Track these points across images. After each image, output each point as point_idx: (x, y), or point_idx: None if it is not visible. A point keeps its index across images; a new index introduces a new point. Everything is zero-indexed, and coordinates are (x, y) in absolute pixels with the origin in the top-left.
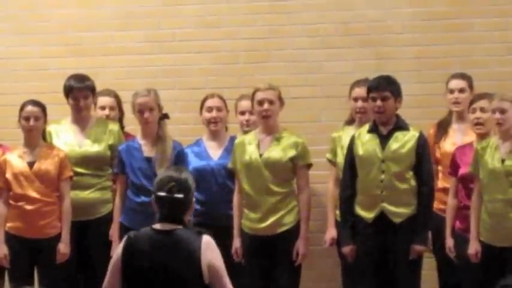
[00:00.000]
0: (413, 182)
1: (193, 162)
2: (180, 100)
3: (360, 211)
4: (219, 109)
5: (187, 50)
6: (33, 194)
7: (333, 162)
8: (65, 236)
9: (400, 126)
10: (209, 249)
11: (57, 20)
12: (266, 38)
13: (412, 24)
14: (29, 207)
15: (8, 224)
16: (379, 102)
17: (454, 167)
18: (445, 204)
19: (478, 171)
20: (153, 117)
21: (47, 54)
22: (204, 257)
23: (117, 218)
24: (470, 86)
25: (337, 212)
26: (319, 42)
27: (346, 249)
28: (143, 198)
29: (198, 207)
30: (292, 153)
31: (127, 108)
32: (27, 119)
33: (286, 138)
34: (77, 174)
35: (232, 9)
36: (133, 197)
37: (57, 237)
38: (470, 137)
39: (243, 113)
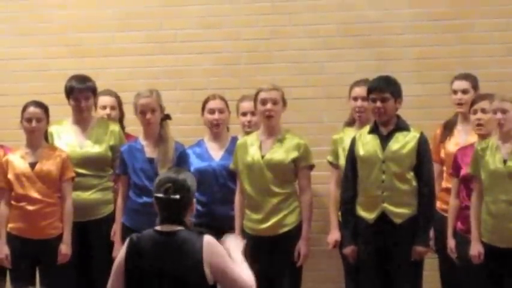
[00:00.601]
0: (414, 183)
1: (195, 163)
2: (181, 101)
3: (361, 212)
4: (221, 111)
5: (189, 50)
6: (35, 194)
7: (334, 165)
8: (67, 236)
9: (401, 126)
10: (211, 250)
11: (58, 20)
12: (267, 39)
13: (413, 25)
14: (30, 207)
15: (10, 225)
16: (379, 104)
17: (455, 167)
18: (448, 204)
19: (478, 172)
20: (155, 118)
21: (48, 55)
22: (206, 258)
23: (119, 219)
24: (474, 87)
25: (339, 213)
26: (321, 43)
27: (348, 250)
28: (145, 199)
29: (199, 208)
30: (294, 154)
31: (129, 109)
32: (29, 120)
33: (288, 139)
34: (78, 175)
35: (234, 10)
36: (135, 198)
37: (59, 238)
38: (474, 137)
39: (244, 114)
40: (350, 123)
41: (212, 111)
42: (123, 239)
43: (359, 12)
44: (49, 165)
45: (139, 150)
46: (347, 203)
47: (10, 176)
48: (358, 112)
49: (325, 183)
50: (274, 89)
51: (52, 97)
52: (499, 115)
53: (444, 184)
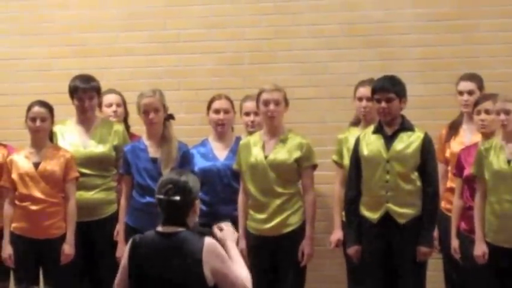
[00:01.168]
0: (418, 183)
1: (199, 163)
2: (185, 101)
3: (365, 212)
4: (226, 111)
5: (192, 50)
6: (38, 194)
7: (339, 164)
8: (70, 236)
9: (405, 127)
10: (211, 252)
11: (62, 20)
12: (271, 39)
13: (417, 25)
14: (34, 207)
15: (13, 224)
16: (383, 104)
17: (459, 167)
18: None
19: (481, 172)
20: (159, 118)
21: (51, 55)
22: (206, 261)
23: (122, 219)
24: (480, 87)
25: (343, 213)
26: (324, 43)
27: (352, 250)
28: (148, 199)
29: (203, 207)
30: (297, 154)
31: (132, 109)
32: (33, 119)
33: (291, 139)
34: (81, 174)
35: (237, 10)
36: (139, 198)
37: (62, 238)
38: (479, 137)
39: (247, 114)
40: (355, 123)
41: (217, 111)
42: (126, 239)
43: (362, 12)
44: (53, 165)
45: (142, 150)
46: (351, 203)
47: (14, 175)
48: (363, 112)
49: (328, 183)
50: (276, 90)
51: (55, 97)
52: (502, 116)
53: (449, 184)
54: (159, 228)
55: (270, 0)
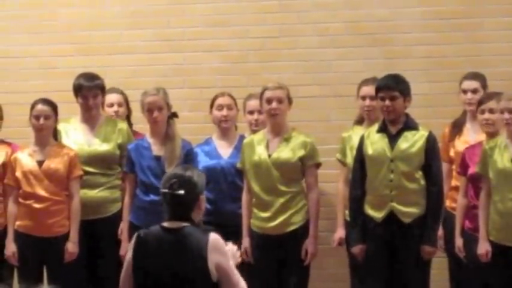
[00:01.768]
0: (422, 182)
1: (204, 161)
2: (189, 99)
3: (369, 211)
4: (229, 107)
5: (196, 48)
6: (42, 192)
7: (342, 162)
8: (74, 235)
9: (410, 125)
10: (216, 248)
11: (66, 18)
12: (275, 37)
13: (422, 24)
14: (37, 205)
15: (17, 222)
16: (387, 102)
17: (463, 166)
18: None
19: (486, 171)
20: (162, 116)
21: (56, 53)
22: (210, 256)
23: (126, 217)
24: (484, 86)
25: (347, 211)
26: (329, 41)
27: (356, 249)
28: (152, 197)
29: (207, 205)
30: (301, 153)
31: (136, 107)
32: (37, 117)
33: (294, 138)
34: (86, 173)
35: (241, 8)
36: (143, 196)
37: (66, 236)
38: (484, 136)
39: (251, 112)
40: (359, 121)
41: (220, 108)
42: (130, 237)
43: (367, 11)
44: (57, 163)
45: (146, 148)
46: (355, 202)
47: (18, 173)
48: (366, 111)
49: (332, 181)
50: (279, 88)
51: (59, 95)
52: (506, 115)
53: (453, 183)
54: (165, 224)
55: None
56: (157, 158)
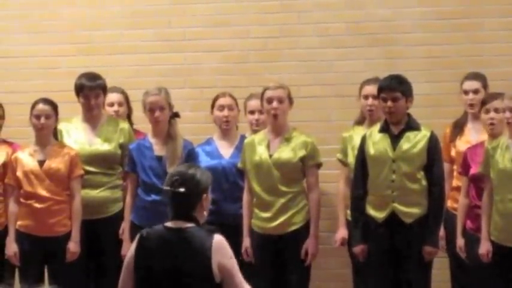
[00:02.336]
0: (424, 182)
1: (205, 161)
2: (190, 99)
3: (371, 211)
4: (230, 108)
5: (198, 48)
6: (43, 192)
7: (343, 162)
8: (75, 234)
9: (412, 126)
10: (220, 249)
11: (67, 18)
12: (276, 37)
13: (423, 24)
14: (39, 205)
15: (18, 222)
16: (389, 103)
17: (465, 166)
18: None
19: (489, 171)
20: (164, 116)
21: (57, 53)
22: (214, 257)
23: (127, 217)
24: (485, 86)
25: (348, 211)
26: (330, 41)
27: (357, 249)
28: (154, 197)
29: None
30: (302, 153)
31: (137, 107)
32: (38, 117)
33: (295, 138)
34: (87, 172)
35: (242, 8)
36: (144, 196)
37: (67, 236)
38: (485, 136)
39: (252, 112)
40: (360, 121)
41: (222, 108)
42: (131, 237)
43: (368, 11)
44: (58, 163)
45: (148, 148)
46: (357, 202)
47: (19, 173)
48: (368, 111)
49: (333, 181)
50: (280, 87)
51: (60, 95)
52: (507, 114)
53: (455, 183)
54: (168, 224)
55: None
56: (159, 158)
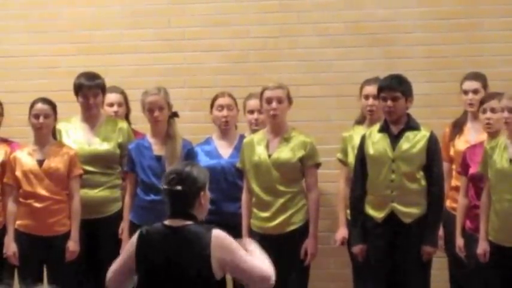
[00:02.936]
0: (423, 182)
1: (204, 161)
2: (189, 98)
3: (370, 211)
4: (229, 108)
5: (197, 48)
6: (43, 191)
7: (343, 162)
8: (74, 234)
9: (411, 125)
10: (219, 244)
11: (67, 18)
12: (276, 37)
13: (422, 24)
14: (38, 205)
15: (18, 222)
16: (389, 102)
17: (464, 166)
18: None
19: (487, 171)
20: (163, 115)
21: (57, 53)
22: (214, 253)
23: (126, 216)
24: (484, 86)
25: (348, 211)
26: (329, 41)
27: (357, 248)
28: (153, 197)
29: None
30: (301, 153)
31: (136, 107)
32: (36, 116)
33: (294, 138)
34: (86, 172)
35: (242, 8)
36: (143, 195)
37: (67, 235)
38: (484, 136)
39: (251, 112)
40: (360, 121)
41: (221, 108)
42: (131, 237)
43: (368, 11)
44: (57, 163)
45: (147, 148)
46: (356, 202)
47: (18, 173)
48: (369, 111)
49: (333, 181)
50: (279, 87)
51: (60, 94)
52: (506, 114)
53: (454, 183)
54: (166, 222)
55: None
56: (158, 158)
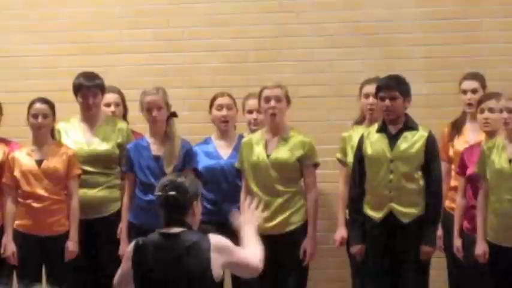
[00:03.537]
0: (421, 182)
1: (203, 161)
2: (188, 98)
3: (368, 211)
4: (229, 107)
5: (196, 48)
6: (42, 191)
7: (343, 162)
8: (73, 234)
9: (409, 126)
10: (217, 249)
11: (67, 18)
12: (275, 37)
13: (421, 24)
14: (37, 205)
15: (16, 222)
16: (387, 102)
17: (462, 166)
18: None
19: (484, 171)
20: (162, 115)
21: (56, 52)
22: (214, 258)
23: (125, 216)
24: (483, 86)
25: (347, 211)
26: (328, 41)
27: (355, 248)
28: (151, 197)
29: (208, 206)
30: (299, 153)
31: (135, 107)
32: (35, 116)
33: (293, 138)
34: (85, 172)
35: (241, 8)
36: (142, 195)
37: (65, 235)
38: (483, 136)
39: (250, 111)
40: (359, 121)
41: (220, 108)
42: (129, 237)
43: (367, 11)
44: (55, 163)
45: (145, 148)
46: (354, 202)
47: (16, 173)
48: (369, 110)
49: (332, 181)
50: (278, 87)
51: (60, 94)
52: (504, 114)
53: (452, 183)
54: (163, 230)
55: None
56: (157, 158)
